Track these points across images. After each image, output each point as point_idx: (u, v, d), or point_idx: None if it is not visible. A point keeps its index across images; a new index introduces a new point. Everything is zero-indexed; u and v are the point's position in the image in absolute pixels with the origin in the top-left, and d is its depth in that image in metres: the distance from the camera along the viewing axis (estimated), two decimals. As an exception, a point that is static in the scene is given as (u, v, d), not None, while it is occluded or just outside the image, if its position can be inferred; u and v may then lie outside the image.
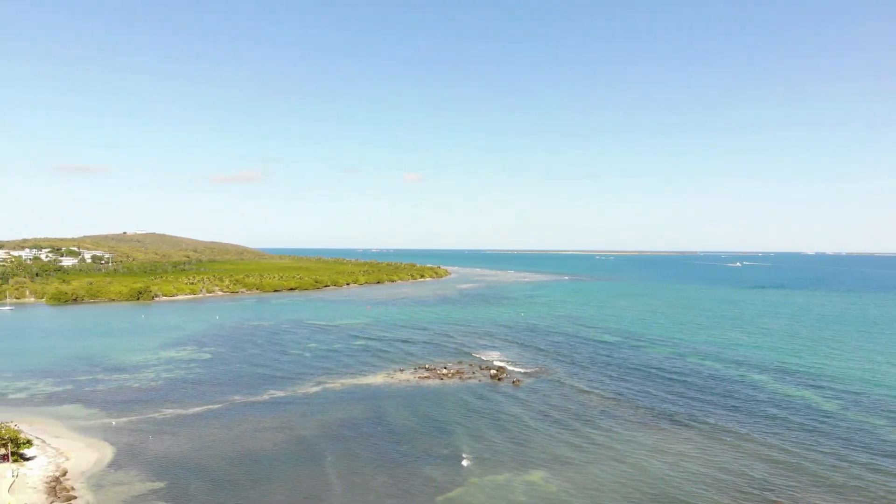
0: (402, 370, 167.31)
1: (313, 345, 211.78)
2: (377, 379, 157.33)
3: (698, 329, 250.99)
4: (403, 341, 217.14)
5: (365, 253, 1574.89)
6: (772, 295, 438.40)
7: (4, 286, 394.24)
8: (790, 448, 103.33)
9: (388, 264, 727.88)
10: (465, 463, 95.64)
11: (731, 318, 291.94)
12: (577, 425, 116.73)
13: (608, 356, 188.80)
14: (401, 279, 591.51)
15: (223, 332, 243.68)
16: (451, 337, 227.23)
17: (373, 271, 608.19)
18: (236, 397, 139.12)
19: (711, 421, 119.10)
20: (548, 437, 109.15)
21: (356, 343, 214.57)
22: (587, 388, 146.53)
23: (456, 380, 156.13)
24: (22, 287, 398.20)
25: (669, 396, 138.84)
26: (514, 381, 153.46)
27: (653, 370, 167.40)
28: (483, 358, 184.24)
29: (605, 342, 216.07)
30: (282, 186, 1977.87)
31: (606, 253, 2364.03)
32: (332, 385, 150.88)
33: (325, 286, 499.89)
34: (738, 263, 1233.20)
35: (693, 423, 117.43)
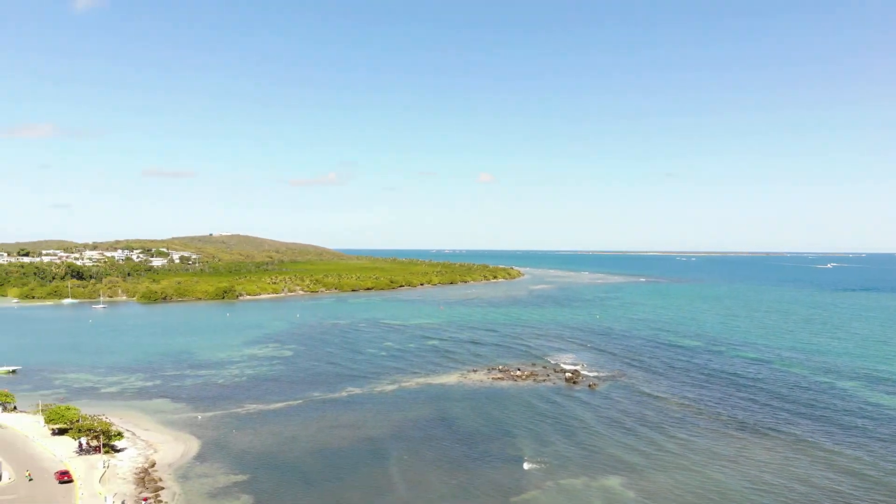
0: (475, 371, 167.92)
1: (388, 344, 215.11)
2: (451, 379, 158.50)
3: (783, 334, 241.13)
4: (476, 342, 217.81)
5: (438, 254, 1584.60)
6: (862, 298, 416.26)
7: (98, 285, 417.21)
8: (881, 463, 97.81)
9: (460, 265, 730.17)
10: (526, 465, 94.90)
11: (818, 322, 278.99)
12: (653, 433, 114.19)
13: (687, 361, 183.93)
14: (474, 280, 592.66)
15: (303, 330, 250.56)
16: (524, 339, 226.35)
17: (446, 272, 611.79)
18: (315, 394, 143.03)
19: (796, 432, 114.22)
20: (623, 444, 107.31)
21: (430, 343, 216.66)
22: (665, 394, 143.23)
23: (530, 382, 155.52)
24: (115, 286, 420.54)
25: (751, 405, 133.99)
26: (590, 385, 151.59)
27: (734, 376, 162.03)
28: (557, 361, 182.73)
29: (684, 346, 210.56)
30: (359, 189, 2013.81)
31: (687, 254, 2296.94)
32: (406, 384, 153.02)
33: (400, 286, 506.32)
34: (830, 265, 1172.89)
35: (776, 434, 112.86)
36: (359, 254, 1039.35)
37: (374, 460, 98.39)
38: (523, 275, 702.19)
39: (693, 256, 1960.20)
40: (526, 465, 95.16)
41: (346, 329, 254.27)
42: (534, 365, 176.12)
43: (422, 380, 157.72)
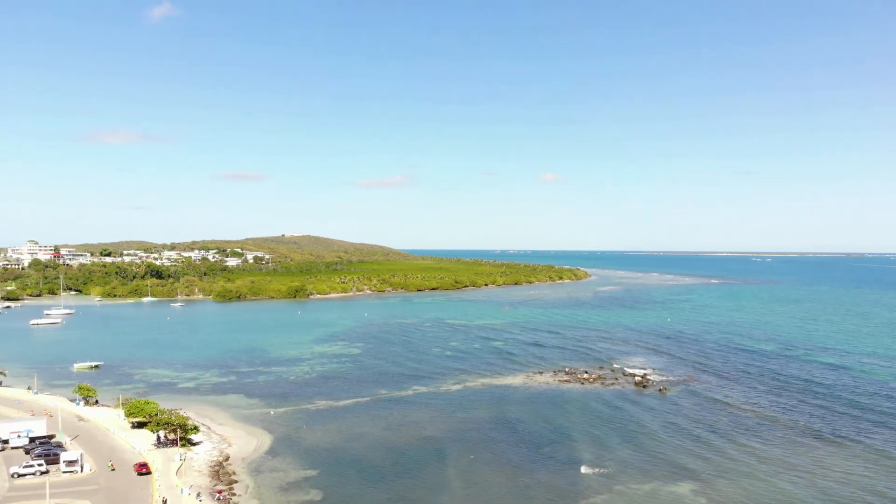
0: (541, 372, 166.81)
1: (454, 344, 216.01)
2: (516, 380, 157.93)
3: (864, 338, 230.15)
4: (541, 344, 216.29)
5: (503, 254, 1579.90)
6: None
7: (176, 284, 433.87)
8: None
9: (525, 265, 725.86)
10: (584, 470, 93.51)
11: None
12: (724, 441, 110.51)
13: (762, 366, 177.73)
14: (539, 281, 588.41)
15: (371, 329, 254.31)
16: (591, 341, 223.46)
17: (511, 272, 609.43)
18: (382, 392, 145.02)
19: (876, 443, 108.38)
20: (690, 451, 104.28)
21: (495, 343, 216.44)
22: (737, 401, 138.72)
23: (597, 385, 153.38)
24: (192, 285, 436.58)
25: (829, 413, 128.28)
26: (660, 390, 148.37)
27: (811, 383, 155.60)
28: (626, 364, 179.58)
29: (758, 351, 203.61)
30: (423, 191, 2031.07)
31: (762, 254, 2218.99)
32: (472, 384, 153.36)
33: (465, 286, 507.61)
34: None
35: (855, 445, 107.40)
36: (424, 254, 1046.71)
37: (438, 459, 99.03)
38: (590, 276, 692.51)
39: (769, 257, 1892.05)
40: (584, 469, 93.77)
41: (411, 328, 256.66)
42: (601, 368, 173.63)
43: (487, 380, 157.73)
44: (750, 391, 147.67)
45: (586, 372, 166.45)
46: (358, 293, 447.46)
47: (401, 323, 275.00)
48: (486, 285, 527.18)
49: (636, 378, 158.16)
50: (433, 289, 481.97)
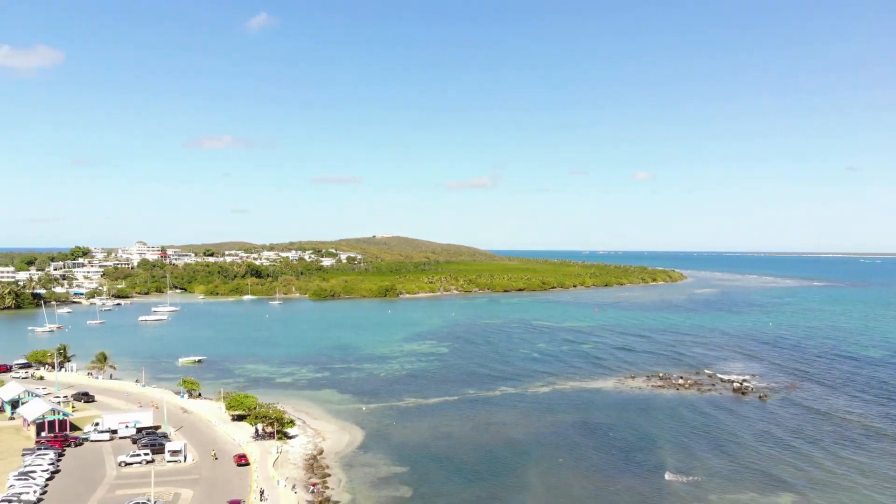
0: (633, 377, 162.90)
1: (541, 345, 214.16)
2: (607, 384, 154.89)
3: None
4: (633, 348, 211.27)
5: (592, 255, 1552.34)
6: None
7: (274, 283, 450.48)
8: None
9: (616, 267, 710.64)
10: (668, 476, 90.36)
11: None
12: (825, 453, 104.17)
13: (870, 375, 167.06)
14: (630, 282, 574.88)
15: (458, 328, 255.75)
16: (686, 345, 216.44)
17: (600, 274, 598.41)
18: (470, 391, 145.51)
19: None
20: (788, 463, 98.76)
21: (584, 346, 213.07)
22: (842, 411, 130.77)
23: (693, 391, 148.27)
24: (289, 284, 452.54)
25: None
26: (760, 397, 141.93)
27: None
28: (723, 370, 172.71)
29: (866, 359, 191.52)
30: (510, 191, 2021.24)
31: (871, 255, 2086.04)
32: (561, 386, 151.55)
33: (552, 287, 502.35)
34: None
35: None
36: (510, 255, 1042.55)
37: (524, 460, 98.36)
38: (685, 278, 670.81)
39: (878, 258, 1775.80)
40: (668, 476, 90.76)
41: (498, 329, 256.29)
42: (697, 374, 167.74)
43: (575, 383, 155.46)
44: (855, 401, 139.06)
45: (681, 377, 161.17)
46: (445, 293, 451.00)
47: (487, 323, 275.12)
48: (574, 287, 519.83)
49: (734, 385, 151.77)
50: (520, 290, 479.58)
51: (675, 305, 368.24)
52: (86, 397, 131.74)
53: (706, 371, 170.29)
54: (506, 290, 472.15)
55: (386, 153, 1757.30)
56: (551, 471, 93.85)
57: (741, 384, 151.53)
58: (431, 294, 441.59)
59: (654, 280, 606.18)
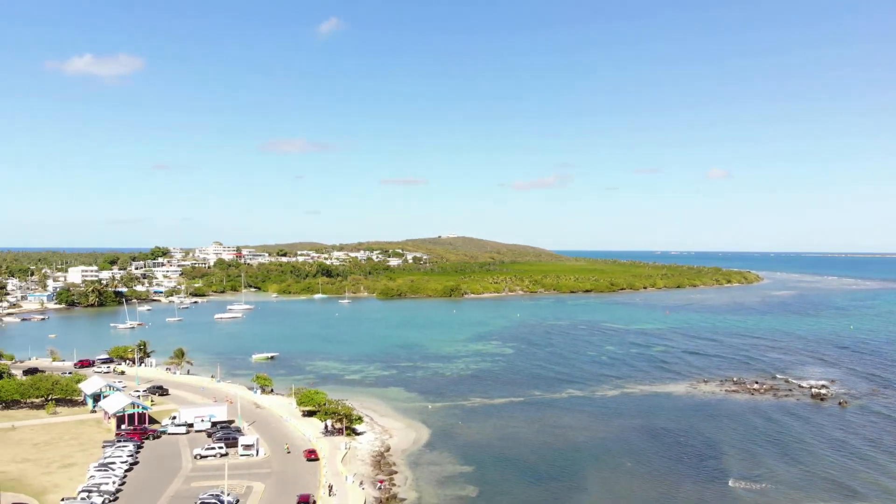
0: (705, 381, 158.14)
1: (610, 347, 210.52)
2: (679, 388, 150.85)
3: None
4: (705, 351, 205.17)
5: (664, 255, 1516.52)
6: None
7: (344, 282, 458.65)
8: None
9: (689, 268, 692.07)
10: (730, 483, 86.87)
11: None
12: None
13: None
14: (704, 284, 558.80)
15: (523, 329, 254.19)
16: (762, 349, 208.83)
17: (672, 275, 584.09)
18: (536, 393, 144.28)
19: None
20: (865, 473, 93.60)
21: (654, 349, 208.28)
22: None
23: (769, 396, 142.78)
24: (357, 283, 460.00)
25: None
26: (839, 403, 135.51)
27: None
28: (800, 375, 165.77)
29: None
30: (577, 190, 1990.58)
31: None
32: (630, 390, 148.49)
33: (621, 289, 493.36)
34: None
35: None
36: (577, 255, 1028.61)
37: (592, 464, 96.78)
38: (762, 279, 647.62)
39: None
40: (731, 483, 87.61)
41: (565, 330, 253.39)
42: (773, 378, 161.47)
43: (645, 387, 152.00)
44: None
45: (756, 382, 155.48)
46: (510, 293, 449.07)
47: (553, 325, 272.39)
48: (644, 288, 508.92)
49: (812, 391, 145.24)
50: (587, 291, 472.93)
51: (750, 308, 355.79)
52: (160, 391, 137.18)
53: (786, 375, 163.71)
54: (572, 292, 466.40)
55: (452, 154, 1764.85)
56: (617, 475, 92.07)
57: (819, 390, 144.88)
58: (496, 294, 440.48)
59: (729, 282, 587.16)
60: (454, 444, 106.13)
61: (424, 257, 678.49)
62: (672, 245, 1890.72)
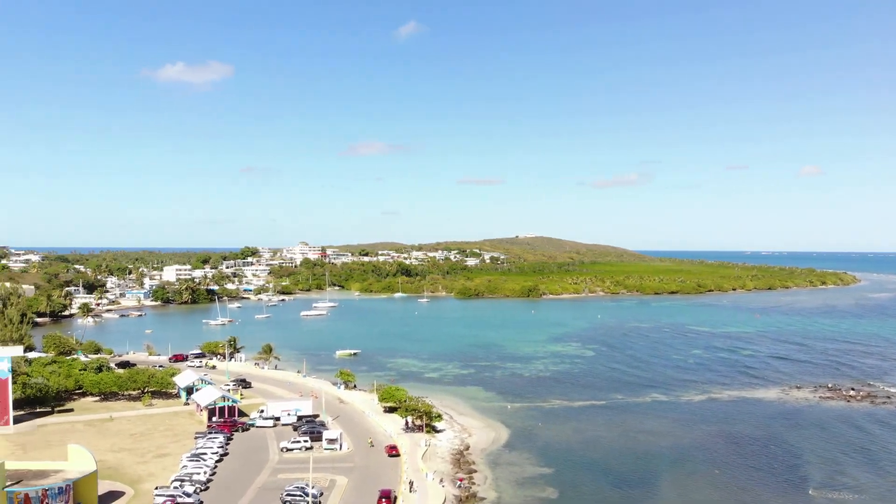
0: (798, 387, 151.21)
1: (696, 351, 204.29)
2: (769, 394, 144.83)
3: None
4: (797, 357, 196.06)
5: (753, 256, 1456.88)
6: None
7: (422, 282, 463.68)
8: None
9: (780, 268, 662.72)
10: (810, 492, 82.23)
11: None
12: None
13: None
14: (796, 286, 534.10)
15: (604, 331, 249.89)
16: (858, 355, 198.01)
17: (763, 276, 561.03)
18: (618, 396, 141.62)
19: None
20: None
21: (744, 353, 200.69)
22: None
23: (865, 404, 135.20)
24: (436, 283, 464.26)
25: None
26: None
27: None
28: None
29: None
30: (660, 188, 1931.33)
31: None
32: (717, 395, 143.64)
33: (708, 290, 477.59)
34: None
35: None
36: (661, 255, 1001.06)
37: (676, 470, 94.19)
38: (858, 280, 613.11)
39: None
40: (812, 492, 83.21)
41: (648, 332, 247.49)
42: (870, 385, 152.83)
43: (734, 392, 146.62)
44: None
45: (853, 389, 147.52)
46: (590, 294, 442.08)
47: (636, 327, 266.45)
48: (733, 290, 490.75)
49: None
50: (672, 292, 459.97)
51: (845, 311, 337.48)
52: (243, 384, 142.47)
53: (879, 384, 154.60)
54: (656, 293, 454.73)
55: (529, 154, 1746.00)
56: (698, 483, 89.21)
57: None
58: (576, 295, 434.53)
59: (824, 283, 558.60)
60: (534, 445, 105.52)
61: (502, 257, 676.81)
62: (763, 245, 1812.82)
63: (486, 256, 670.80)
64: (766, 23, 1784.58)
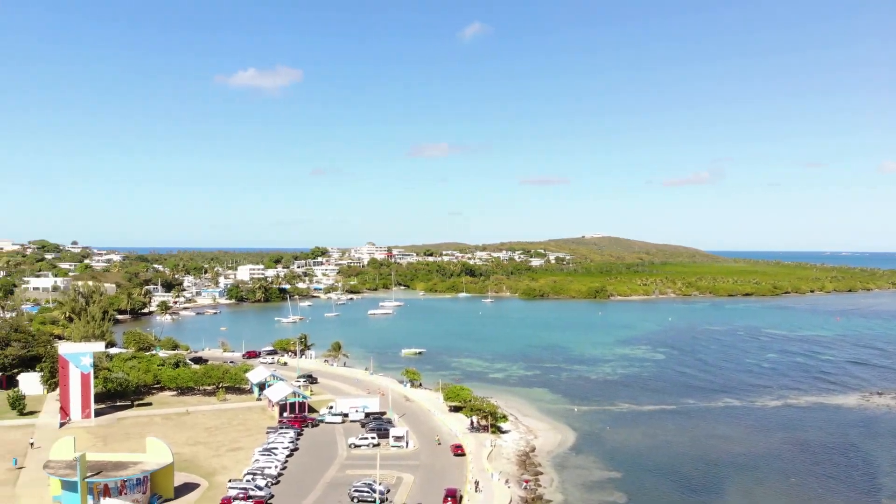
0: (879, 393, 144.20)
1: (772, 355, 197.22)
2: (848, 400, 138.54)
3: None
4: (877, 362, 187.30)
5: (833, 256, 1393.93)
6: None
7: (486, 282, 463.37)
8: None
9: (862, 270, 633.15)
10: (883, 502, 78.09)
11: None
12: None
13: None
14: (879, 287, 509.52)
15: (675, 334, 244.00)
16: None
17: (843, 277, 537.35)
18: (689, 400, 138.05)
19: None
20: None
21: (823, 357, 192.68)
22: None
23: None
24: (500, 283, 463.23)
25: None
26: None
27: None
28: None
29: None
30: (733, 186, 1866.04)
31: None
32: (794, 401, 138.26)
33: (785, 292, 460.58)
34: None
35: None
36: (735, 256, 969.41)
37: (749, 478, 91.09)
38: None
39: None
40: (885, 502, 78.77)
41: (721, 336, 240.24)
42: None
43: (812, 398, 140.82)
44: None
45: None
46: (661, 296, 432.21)
47: (709, 330, 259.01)
48: (811, 292, 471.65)
49: None
50: (746, 294, 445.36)
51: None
52: (310, 379, 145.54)
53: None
54: (730, 295, 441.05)
55: (594, 153, 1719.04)
56: (771, 492, 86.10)
57: None
58: (645, 297, 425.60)
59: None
60: (601, 448, 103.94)
61: (567, 258, 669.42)
62: (844, 245, 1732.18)
63: (552, 257, 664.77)
64: (836, 14, 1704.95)
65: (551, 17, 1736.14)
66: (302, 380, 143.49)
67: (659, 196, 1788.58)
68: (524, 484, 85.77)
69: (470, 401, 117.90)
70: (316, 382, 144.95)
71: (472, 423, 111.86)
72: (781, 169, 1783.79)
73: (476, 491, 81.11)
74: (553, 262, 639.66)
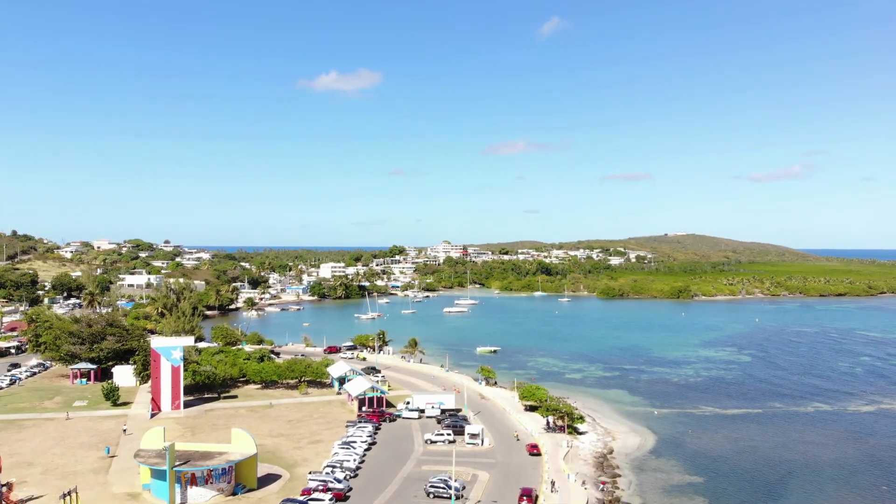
0: None
1: (866, 358, 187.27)
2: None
3: None
4: None
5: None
6: None
7: (563, 281, 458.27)
8: None
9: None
10: None
11: None
12: None
13: None
14: None
15: (762, 335, 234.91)
16: None
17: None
18: (777, 405, 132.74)
19: None
20: None
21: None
22: None
23: None
24: (577, 282, 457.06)
25: None
26: None
27: None
28: None
29: None
30: (826, 181, 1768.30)
31: None
32: (889, 406, 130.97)
33: (881, 293, 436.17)
34: None
35: None
36: (828, 255, 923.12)
37: (840, 485, 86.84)
38: None
39: None
40: None
41: (812, 338, 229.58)
42: None
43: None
44: None
45: None
46: (748, 296, 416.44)
47: (798, 331, 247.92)
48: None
49: None
50: (840, 294, 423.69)
51: None
52: (373, 371, 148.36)
53: None
54: (822, 295, 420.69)
55: (679, 147, 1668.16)
56: (865, 499, 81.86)
57: None
58: (731, 297, 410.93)
59: None
60: (682, 452, 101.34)
61: (648, 256, 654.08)
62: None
63: (632, 255, 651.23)
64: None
65: (630, 11, 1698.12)
66: (361, 370, 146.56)
67: (746, 191, 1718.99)
68: (601, 486, 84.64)
69: (546, 400, 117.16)
70: (378, 373, 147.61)
71: (548, 422, 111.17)
72: (878, 163, 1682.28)
73: (552, 491, 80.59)
74: (633, 260, 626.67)
